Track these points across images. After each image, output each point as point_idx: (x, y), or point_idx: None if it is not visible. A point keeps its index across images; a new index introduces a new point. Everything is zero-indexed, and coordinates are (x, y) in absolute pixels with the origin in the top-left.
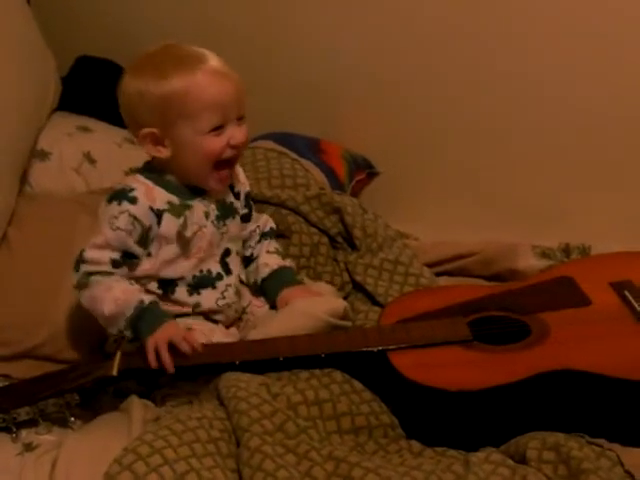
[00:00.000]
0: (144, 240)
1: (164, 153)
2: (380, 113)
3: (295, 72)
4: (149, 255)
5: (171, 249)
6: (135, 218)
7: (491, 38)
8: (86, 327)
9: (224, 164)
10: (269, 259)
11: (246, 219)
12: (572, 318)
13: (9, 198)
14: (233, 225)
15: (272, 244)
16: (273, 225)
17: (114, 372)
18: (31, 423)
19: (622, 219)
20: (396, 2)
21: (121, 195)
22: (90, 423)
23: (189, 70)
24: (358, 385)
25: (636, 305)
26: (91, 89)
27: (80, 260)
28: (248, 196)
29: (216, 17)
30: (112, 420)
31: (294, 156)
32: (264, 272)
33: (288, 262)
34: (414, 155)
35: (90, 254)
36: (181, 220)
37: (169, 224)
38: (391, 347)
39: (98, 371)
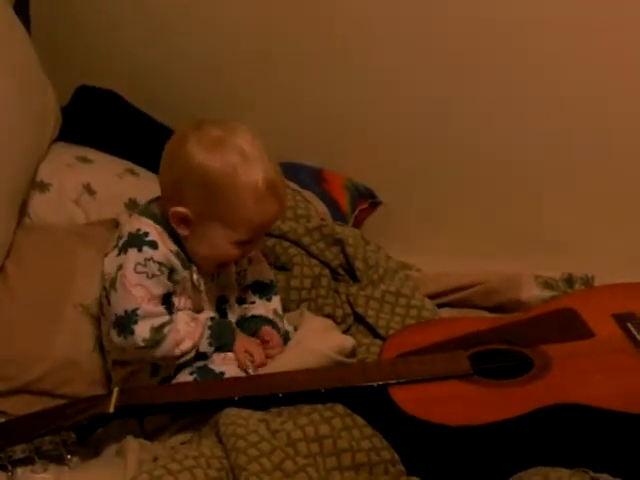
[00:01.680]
0: (172, 281)
1: (182, 232)
2: (383, 143)
3: (298, 102)
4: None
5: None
6: (160, 264)
7: (492, 71)
8: (84, 362)
9: (228, 264)
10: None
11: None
12: (574, 351)
13: (7, 230)
14: (225, 272)
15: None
16: (271, 278)
17: (111, 409)
18: (27, 461)
19: (625, 249)
20: (397, 34)
21: (138, 240)
22: (86, 462)
23: (252, 174)
24: (360, 420)
25: (639, 337)
26: (91, 119)
27: (133, 319)
28: None
29: (219, 47)
30: (108, 460)
31: (295, 187)
32: (254, 311)
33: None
34: (416, 185)
35: (146, 309)
36: (186, 273)
37: (182, 274)
38: (391, 382)
39: (95, 408)
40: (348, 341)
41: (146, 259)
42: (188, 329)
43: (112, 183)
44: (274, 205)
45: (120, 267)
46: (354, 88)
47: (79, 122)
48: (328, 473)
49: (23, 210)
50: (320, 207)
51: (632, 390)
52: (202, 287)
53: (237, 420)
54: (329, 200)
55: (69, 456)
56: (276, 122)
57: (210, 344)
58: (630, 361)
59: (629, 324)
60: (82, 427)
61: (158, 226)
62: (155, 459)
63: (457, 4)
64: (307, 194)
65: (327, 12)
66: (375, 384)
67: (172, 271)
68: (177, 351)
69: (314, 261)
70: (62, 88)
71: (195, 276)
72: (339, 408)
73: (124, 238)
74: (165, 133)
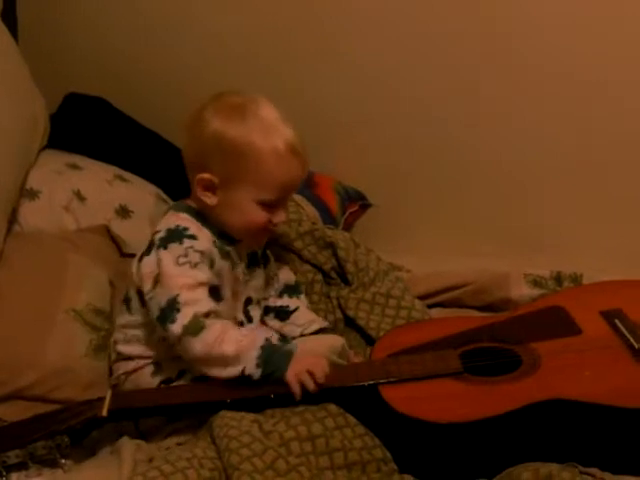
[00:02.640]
0: (214, 272)
1: (211, 200)
2: (372, 146)
3: (287, 105)
4: None
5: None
6: (202, 253)
7: (479, 71)
8: (76, 367)
9: (260, 233)
10: (313, 317)
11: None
12: (563, 347)
13: None
14: (258, 274)
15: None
16: (295, 278)
17: (104, 413)
18: (21, 466)
19: (614, 248)
20: (388, 35)
21: (178, 235)
22: (81, 464)
23: (271, 138)
24: (352, 419)
25: (626, 334)
26: (80, 126)
27: (175, 307)
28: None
29: (208, 54)
30: (103, 461)
31: None
32: (311, 328)
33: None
34: (405, 186)
35: (186, 296)
36: (228, 263)
37: (219, 265)
38: (382, 381)
39: (88, 412)
40: (337, 340)
41: (187, 248)
42: (236, 333)
43: (102, 189)
44: (295, 165)
45: (160, 262)
46: (343, 90)
47: (68, 129)
48: (320, 472)
49: (13, 218)
50: (311, 211)
51: (619, 385)
52: (241, 276)
53: (230, 422)
54: (319, 203)
55: (63, 460)
56: None
57: (257, 365)
58: (617, 357)
59: (617, 321)
60: (76, 431)
61: (194, 218)
62: (150, 460)
63: (449, 5)
64: (298, 198)
65: (316, 13)
66: (366, 383)
67: (212, 262)
68: (217, 349)
69: (307, 267)
70: (50, 96)
71: (235, 262)
72: (332, 407)
73: (161, 234)
74: (154, 139)
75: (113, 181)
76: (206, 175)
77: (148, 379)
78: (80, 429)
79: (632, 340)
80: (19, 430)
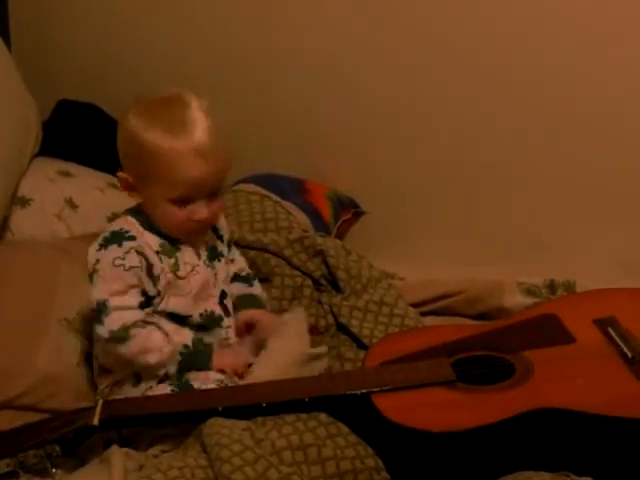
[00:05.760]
0: (152, 277)
1: (136, 199)
2: (364, 153)
3: (281, 113)
4: (159, 293)
5: (178, 285)
6: (141, 253)
7: (473, 81)
8: (67, 376)
9: (187, 230)
10: (239, 288)
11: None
12: (556, 356)
13: None
14: (220, 267)
15: (248, 287)
16: (245, 270)
17: (95, 421)
18: (11, 475)
19: (607, 256)
20: (381, 44)
21: (118, 237)
22: (71, 474)
23: (176, 138)
24: (344, 428)
25: (619, 342)
26: (72, 133)
27: (104, 311)
28: (230, 243)
29: (198, 61)
30: (93, 470)
31: (276, 199)
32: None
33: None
34: (398, 194)
35: (116, 302)
36: (172, 260)
37: (164, 263)
38: (374, 390)
39: (79, 421)
40: (300, 316)
41: (125, 251)
42: (160, 343)
43: (94, 197)
44: (199, 164)
45: (98, 261)
46: (336, 98)
47: (60, 136)
48: None
49: (5, 225)
50: (302, 218)
51: (613, 394)
52: (204, 257)
53: (221, 430)
54: (311, 211)
55: (54, 469)
56: (258, 133)
57: (179, 371)
58: (610, 365)
59: (610, 329)
60: (67, 440)
61: (140, 221)
62: (140, 467)
63: (440, 13)
64: (288, 205)
65: (307, 22)
66: (359, 392)
67: (151, 266)
68: (141, 359)
69: (296, 272)
70: (42, 103)
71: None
72: (322, 417)
73: (106, 234)
74: None
75: (105, 189)
76: (122, 174)
77: (130, 391)
78: (71, 438)
79: (625, 348)
80: (10, 439)
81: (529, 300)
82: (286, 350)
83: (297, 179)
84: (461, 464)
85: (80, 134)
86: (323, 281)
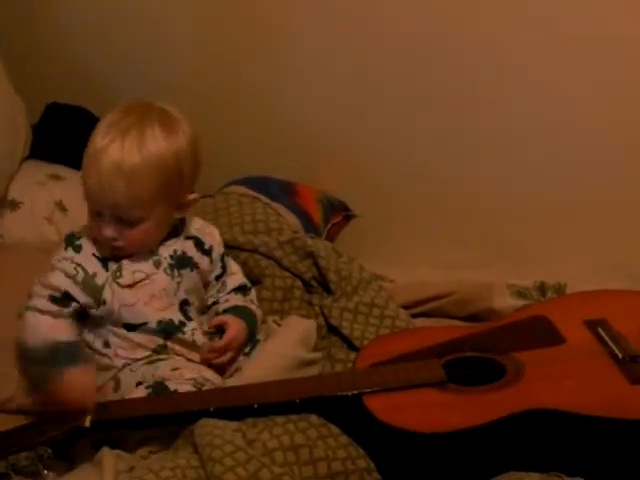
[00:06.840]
0: (91, 287)
1: None
2: (355, 156)
3: (272, 116)
4: (104, 302)
5: (125, 294)
6: (78, 265)
7: (465, 86)
8: None
9: (107, 248)
10: (233, 299)
11: (218, 279)
12: (546, 357)
13: None
14: (189, 276)
15: (242, 297)
16: (244, 281)
17: (87, 423)
18: (3, 477)
19: (598, 258)
20: (372, 48)
21: (68, 241)
22: (63, 476)
23: (90, 147)
24: (335, 429)
25: (610, 343)
26: (62, 136)
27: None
28: (223, 258)
29: (187, 63)
30: (85, 472)
31: (266, 200)
32: (224, 306)
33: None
34: (389, 197)
35: (35, 288)
36: (115, 267)
37: (109, 272)
38: (365, 391)
39: (70, 423)
40: (309, 327)
41: (64, 258)
42: (45, 330)
43: (84, 200)
44: (92, 176)
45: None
46: (327, 101)
47: (50, 139)
48: None
49: None
50: (292, 220)
51: (603, 394)
52: (165, 265)
53: (213, 430)
54: (301, 214)
55: (45, 471)
56: (249, 136)
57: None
58: (600, 366)
59: (600, 330)
60: (58, 442)
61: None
62: (131, 469)
63: (426, 17)
64: (278, 207)
65: (299, 25)
66: (350, 393)
67: (93, 275)
68: (22, 338)
69: (286, 273)
70: (32, 106)
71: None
72: (313, 419)
73: (67, 233)
74: None
75: None
76: None
77: (112, 395)
78: (62, 440)
79: (616, 349)
80: (1, 441)
81: (519, 302)
82: (279, 353)
83: (288, 182)
84: (452, 465)
85: (70, 137)
86: (314, 283)
